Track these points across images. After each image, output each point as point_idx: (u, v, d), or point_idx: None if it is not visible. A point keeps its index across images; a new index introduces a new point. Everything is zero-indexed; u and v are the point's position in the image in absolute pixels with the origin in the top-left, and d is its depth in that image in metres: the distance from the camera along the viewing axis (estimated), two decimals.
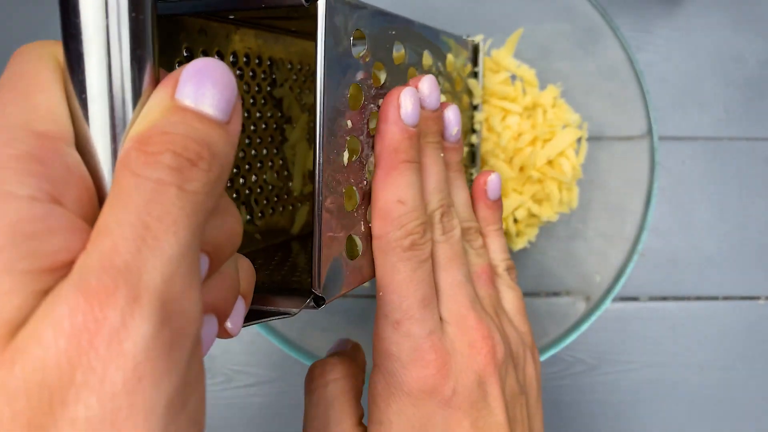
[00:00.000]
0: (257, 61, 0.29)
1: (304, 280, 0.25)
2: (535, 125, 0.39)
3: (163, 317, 0.12)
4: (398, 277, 0.22)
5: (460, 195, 0.27)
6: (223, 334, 0.18)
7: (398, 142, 0.23)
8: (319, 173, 0.21)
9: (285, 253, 0.31)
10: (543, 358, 0.34)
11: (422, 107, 0.24)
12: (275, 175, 0.32)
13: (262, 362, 0.44)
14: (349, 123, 0.22)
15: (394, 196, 0.23)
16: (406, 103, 0.23)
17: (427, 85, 0.24)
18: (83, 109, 0.14)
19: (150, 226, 0.13)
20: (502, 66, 0.40)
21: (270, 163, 0.31)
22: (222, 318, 0.17)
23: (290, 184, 0.33)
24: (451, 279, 0.24)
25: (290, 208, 0.34)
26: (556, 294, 0.40)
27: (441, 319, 0.24)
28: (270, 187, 0.32)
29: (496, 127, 0.38)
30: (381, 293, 0.23)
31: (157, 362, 0.12)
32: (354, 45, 0.21)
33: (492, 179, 0.28)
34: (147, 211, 0.13)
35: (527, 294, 0.40)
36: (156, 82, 0.15)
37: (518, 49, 0.40)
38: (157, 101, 0.15)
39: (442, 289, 0.24)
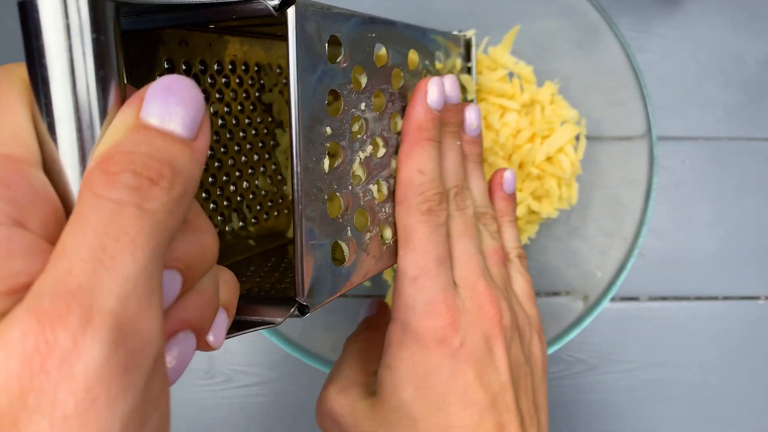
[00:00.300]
0: (244, 67, 0.29)
1: (293, 286, 0.25)
2: (533, 122, 0.39)
3: (117, 338, 0.12)
4: (417, 236, 0.25)
5: (479, 184, 0.29)
6: (205, 347, 0.18)
7: (423, 122, 0.26)
8: (297, 182, 0.20)
9: (280, 256, 0.30)
10: None
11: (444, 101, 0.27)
12: (268, 180, 0.32)
13: (262, 362, 0.44)
14: (328, 130, 0.22)
15: (416, 166, 0.25)
16: (432, 90, 0.26)
17: (449, 82, 0.27)
18: (50, 131, 0.14)
19: (107, 246, 0.13)
20: (500, 63, 0.40)
21: (262, 169, 0.31)
22: (201, 333, 0.17)
23: (284, 188, 0.33)
24: (463, 248, 0.26)
25: (285, 212, 0.33)
26: (555, 294, 0.40)
27: (454, 283, 0.25)
28: (263, 193, 0.31)
29: (494, 125, 0.38)
30: (401, 252, 0.25)
31: (111, 383, 0.12)
32: (330, 51, 0.21)
33: (507, 175, 0.31)
34: (104, 232, 0.13)
35: None
36: (122, 100, 0.15)
37: (516, 49, 0.40)
38: (121, 120, 0.15)
39: (454, 257, 0.26)
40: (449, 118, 0.27)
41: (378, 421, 0.25)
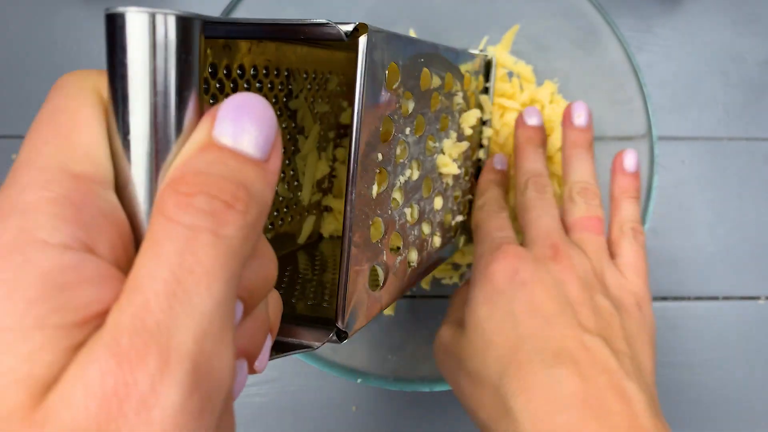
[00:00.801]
0: (275, 72, 0.29)
1: (326, 309, 0.25)
2: None
3: (194, 382, 0.12)
4: (486, 197, 0.32)
5: (585, 165, 0.33)
6: (251, 372, 0.18)
7: (517, 129, 0.35)
8: (349, 209, 0.20)
9: (294, 266, 0.30)
10: None
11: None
12: (286, 186, 0.32)
13: None
14: (379, 156, 0.21)
15: (491, 160, 0.35)
16: (529, 114, 0.35)
17: (534, 112, 0.35)
18: (126, 149, 0.14)
19: (182, 279, 0.12)
20: (499, 63, 0.39)
21: (281, 175, 0.31)
22: (252, 359, 0.17)
23: (299, 194, 0.33)
24: (534, 215, 0.30)
25: (298, 218, 0.33)
26: None
27: (523, 243, 0.30)
28: (280, 199, 0.31)
29: (494, 125, 0.38)
30: (474, 215, 0.33)
31: (186, 428, 0.12)
32: (389, 77, 0.21)
33: (628, 154, 0.33)
34: (179, 263, 0.12)
35: None
36: (199, 118, 0.15)
37: (516, 48, 0.40)
38: (195, 139, 0.14)
39: (526, 223, 0.30)
40: (531, 133, 0.34)
41: (466, 342, 0.28)
